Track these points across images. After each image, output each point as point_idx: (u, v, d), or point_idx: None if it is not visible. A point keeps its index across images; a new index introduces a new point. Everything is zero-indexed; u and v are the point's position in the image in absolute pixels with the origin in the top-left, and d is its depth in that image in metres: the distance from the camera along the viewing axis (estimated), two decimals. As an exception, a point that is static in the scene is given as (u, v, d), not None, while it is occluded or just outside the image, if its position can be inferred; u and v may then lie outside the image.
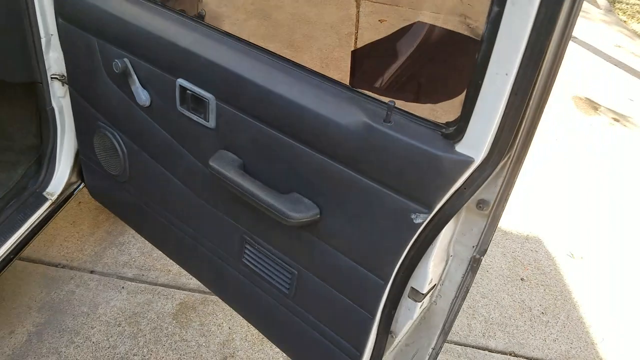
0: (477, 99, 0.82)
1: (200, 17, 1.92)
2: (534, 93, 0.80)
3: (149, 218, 1.65)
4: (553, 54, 0.77)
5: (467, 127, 0.85)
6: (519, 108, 0.80)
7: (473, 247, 1.02)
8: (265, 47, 1.14)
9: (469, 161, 0.87)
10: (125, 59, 1.33)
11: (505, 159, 0.88)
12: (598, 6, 6.27)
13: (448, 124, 0.89)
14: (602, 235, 2.74)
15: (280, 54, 1.12)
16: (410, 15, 2.34)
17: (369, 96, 1.02)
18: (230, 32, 1.21)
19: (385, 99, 0.98)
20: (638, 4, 6.39)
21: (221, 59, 1.14)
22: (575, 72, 4.46)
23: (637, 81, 4.54)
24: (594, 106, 3.98)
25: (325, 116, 1.01)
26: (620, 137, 3.66)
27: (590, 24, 5.67)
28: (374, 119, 0.96)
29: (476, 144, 0.85)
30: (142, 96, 1.34)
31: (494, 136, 0.84)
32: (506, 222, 2.69)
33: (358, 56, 1.27)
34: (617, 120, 3.84)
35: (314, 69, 1.07)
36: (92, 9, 1.38)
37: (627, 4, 6.38)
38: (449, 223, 0.94)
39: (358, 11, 2.63)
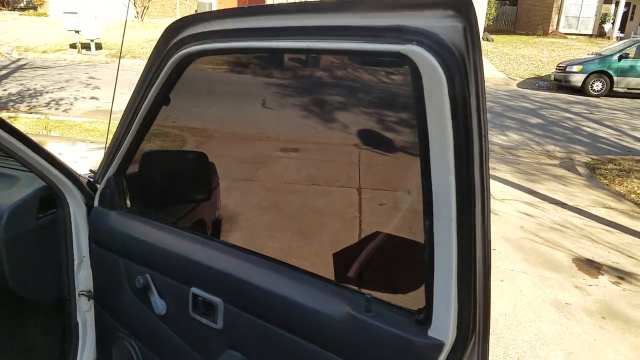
0: (433, 291, 0.98)
1: (217, 222, 2.18)
2: (477, 282, 0.97)
3: None
4: (481, 253, 0.96)
5: (432, 314, 1.00)
6: (468, 295, 0.97)
7: None
8: (264, 254, 1.33)
9: (440, 344, 0.99)
10: (147, 275, 1.51)
11: (473, 339, 1.01)
12: (580, 174, 6.78)
13: (419, 311, 1.03)
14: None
15: (278, 258, 1.30)
16: (407, 198, 2.64)
17: (351, 289, 1.18)
18: (236, 243, 1.41)
19: (365, 291, 1.14)
20: (616, 169, 6.91)
21: (228, 268, 1.33)
22: (572, 237, 4.68)
23: (633, 239, 4.73)
24: (596, 266, 4.10)
25: (316, 310, 1.15)
26: (627, 295, 3.71)
27: (575, 190, 6.08)
28: (357, 310, 1.09)
29: (443, 328, 0.99)
30: (159, 306, 1.49)
31: (455, 321, 0.98)
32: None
33: (338, 257, 1.50)
34: (622, 278, 3.93)
35: (306, 268, 1.25)
36: (121, 235, 1.63)
37: (606, 169, 6.91)
38: None
39: (360, 198, 2.96)
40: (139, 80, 1.48)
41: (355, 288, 1.20)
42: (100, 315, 1.81)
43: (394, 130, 3.06)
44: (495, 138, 8.85)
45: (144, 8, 21.25)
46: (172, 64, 1.35)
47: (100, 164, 1.74)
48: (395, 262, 1.45)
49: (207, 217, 2.12)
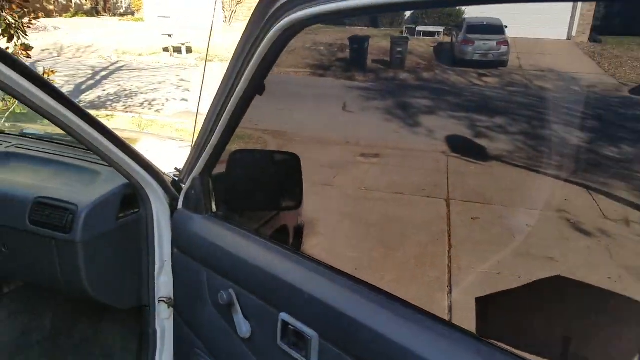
0: None
1: (299, 228, 2.07)
2: None
3: None
4: None
5: None
6: None
7: None
8: (375, 285, 1.08)
9: None
10: (231, 290, 1.34)
11: None
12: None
13: None
14: None
15: (393, 293, 1.05)
16: (502, 212, 2.44)
17: (506, 351, 0.86)
18: (334, 265, 1.18)
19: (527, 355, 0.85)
20: None
21: (325, 296, 1.10)
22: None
23: None
24: None
25: None
26: None
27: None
28: None
29: None
30: (244, 328, 1.31)
31: None
32: None
33: (487, 302, 1.21)
34: None
35: (433, 312, 0.99)
36: (205, 243, 1.49)
37: None
38: None
39: (449, 210, 2.74)
40: (229, 66, 1.28)
41: (516, 352, 0.86)
42: (178, 325, 1.70)
43: (488, 136, 2.83)
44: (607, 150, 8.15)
45: (232, 12, 22.02)
46: (272, 38, 1.09)
47: (186, 161, 1.62)
48: (587, 321, 1.04)
49: (290, 223, 2.00)
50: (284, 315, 1.18)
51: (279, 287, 1.21)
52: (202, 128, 1.47)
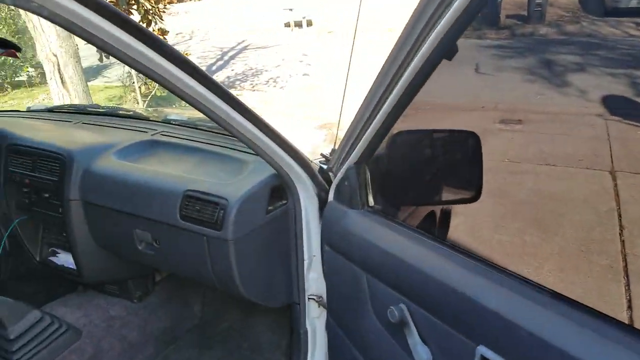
0: None
1: (447, 214, 1.81)
2: None
3: None
4: None
5: None
6: None
7: None
8: (617, 318, 0.77)
9: None
10: (402, 305, 1.10)
11: None
12: None
13: None
14: None
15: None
16: None
17: None
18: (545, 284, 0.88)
19: None
20: None
21: (550, 334, 0.80)
22: None
23: None
24: None
25: None
26: None
27: None
28: None
29: None
30: (423, 355, 1.06)
31: None
32: None
33: None
34: None
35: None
36: (364, 243, 1.26)
37: None
38: None
39: (615, 184, 2.36)
40: (404, 30, 1.03)
41: None
42: (333, 330, 1.52)
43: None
44: None
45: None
46: None
47: (338, 148, 1.42)
48: None
49: (437, 208, 1.72)
50: (483, 350, 0.90)
51: (473, 313, 0.93)
52: (360, 109, 1.24)
